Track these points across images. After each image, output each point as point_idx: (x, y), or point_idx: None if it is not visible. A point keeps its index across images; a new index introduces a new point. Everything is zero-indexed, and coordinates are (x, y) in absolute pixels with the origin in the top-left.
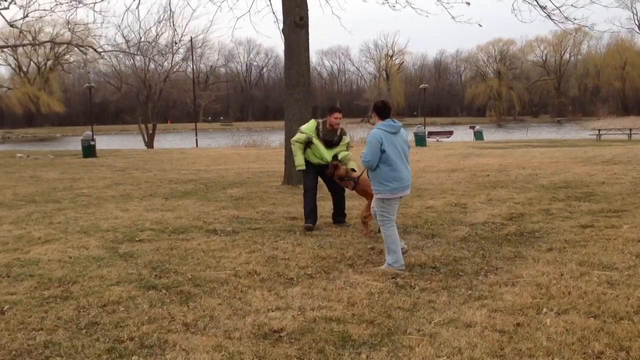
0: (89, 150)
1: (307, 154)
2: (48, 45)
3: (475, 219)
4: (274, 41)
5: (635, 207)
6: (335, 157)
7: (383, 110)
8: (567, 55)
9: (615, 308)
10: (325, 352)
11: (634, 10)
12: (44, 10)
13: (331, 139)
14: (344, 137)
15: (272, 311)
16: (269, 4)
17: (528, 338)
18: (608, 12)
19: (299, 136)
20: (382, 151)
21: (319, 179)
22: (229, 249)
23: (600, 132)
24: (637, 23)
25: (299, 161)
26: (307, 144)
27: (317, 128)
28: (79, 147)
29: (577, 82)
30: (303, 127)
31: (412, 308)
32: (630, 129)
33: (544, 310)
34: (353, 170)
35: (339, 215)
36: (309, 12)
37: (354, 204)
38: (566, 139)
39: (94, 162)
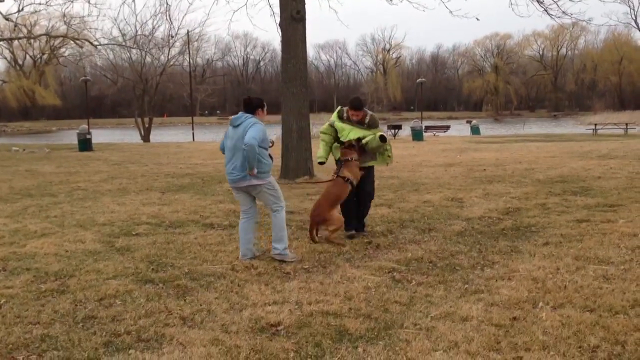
0: (85, 143)
1: (334, 151)
2: (44, 39)
3: (472, 213)
4: (271, 35)
5: (631, 202)
6: (358, 139)
7: (243, 105)
8: (564, 50)
9: (611, 302)
10: (322, 346)
11: (631, 5)
12: (40, 3)
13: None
14: (373, 123)
15: (269, 305)
16: None
17: (524, 332)
18: (605, 7)
19: (323, 126)
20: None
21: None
22: (226, 242)
23: (597, 127)
24: (634, 17)
25: (319, 153)
26: (337, 139)
27: (340, 112)
28: (75, 141)
29: (573, 76)
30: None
31: (409, 302)
32: (627, 124)
33: (540, 304)
34: (381, 138)
35: (357, 222)
36: (306, 5)
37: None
38: (563, 134)
39: (90, 156)
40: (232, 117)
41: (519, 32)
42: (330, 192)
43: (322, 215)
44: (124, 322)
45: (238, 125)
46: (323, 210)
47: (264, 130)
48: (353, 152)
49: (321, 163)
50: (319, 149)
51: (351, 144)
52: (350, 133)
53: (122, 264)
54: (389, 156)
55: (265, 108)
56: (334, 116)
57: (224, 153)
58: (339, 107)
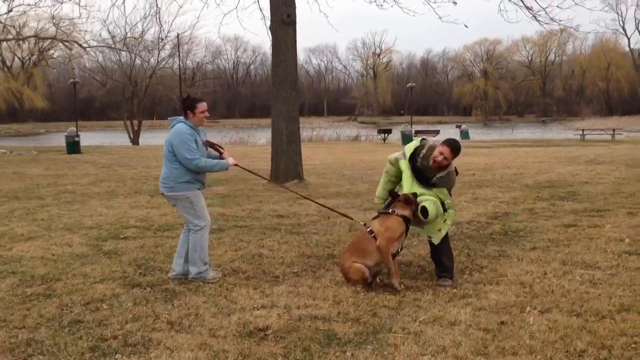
0: (73, 146)
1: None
2: (32, 40)
3: (461, 217)
4: (261, 38)
5: (617, 207)
6: (415, 194)
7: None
8: (552, 56)
9: (598, 307)
10: (311, 351)
11: (619, 12)
12: (29, 5)
13: (428, 175)
14: (450, 171)
15: (258, 309)
16: (256, 0)
17: (512, 336)
18: (593, 14)
19: (388, 158)
20: None
21: None
22: (215, 246)
23: (584, 132)
24: (622, 24)
25: (377, 192)
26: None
27: (416, 150)
28: (63, 143)
29: (562, 82)
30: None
31: (398, 306)
32: (614, 129)
33: (528, 308)
34: (423, 213)
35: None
36: (296, 9)
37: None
38: (551, 139)
39: (78, 159)
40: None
41: (508, 38)
42: (353, 242)
43: (340, 264)
44: (111, 326)
45: (170, 130)
46: (342, 259)
47: (183, 132)
48: (406, 209)
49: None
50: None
51: (409, 199)
52: (408, 186)
53: (110, 267)
54: (445, 221)
55: (197, 110)
56: (408, 149)
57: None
58: (418, 140)
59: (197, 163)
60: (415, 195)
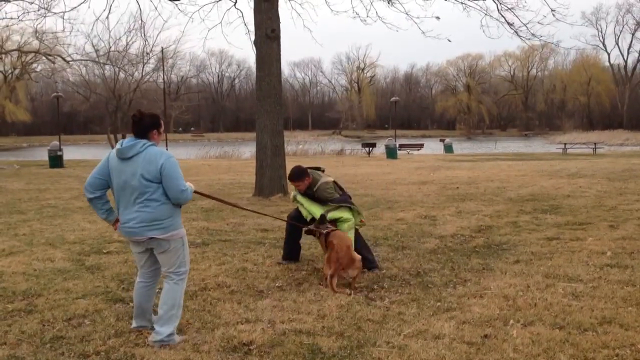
0: (55, 160)
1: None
2: (15, 54)
3: (445, 231)
4: (246, 52)
5: (599, 220)
6: (322, 217)
7: (132, 124)
8: (534, 71)
9: (580, 319)
10: None
11: (599, 28)
12: (11, 18)
13: (310, 192)
14: (319, 186)
15: (242, 324)
16: (241, 15)
17: (495, 349)
18: (573, 29)
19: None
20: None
21: None
22: (199, 260)
23: (566, 146)
24: (602, 40)
25: (303, 213)
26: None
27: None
28: (46, 157)
29: (543, 96)
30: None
31: (382, 320)
32: (595, 143)
33: (511, 321)
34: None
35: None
36: (280, 24)
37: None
38: (533, 153)
39: (61, 173)
40: (122, 144)
41: (491, 53)
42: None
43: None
44: (93, 342)
45: (131, 157)
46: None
47: (171, 156)
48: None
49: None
50: (308, 209)
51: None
52: (313, 209)
53: (92, 282)
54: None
55: (162, 128)
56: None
57: (92, 194)
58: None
59: (189, 195)
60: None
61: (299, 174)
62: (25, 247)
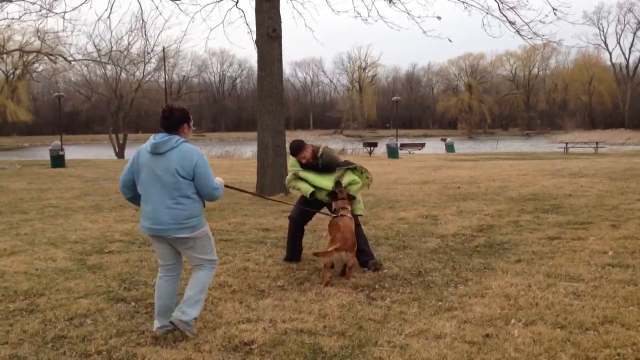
0: (57, 160)
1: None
2: (17, 54)
3: (446, 230)
4: (247, 52)
5: (601, 219)
6: (338, 183)
7: (161, 119)
8: (535, 70)
9: (582, 319)
10: None
11: (601, 27)
12: (13, 19)
13: (313, 166)
14: (323, 151)
15: (243, 323)
16: (243, 15)
17: (496, 349)
18: (575, 28)
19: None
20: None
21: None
22: None
23: (568, 146)
24: (604, 39)
25: (304, 189)
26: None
27: (299, 162)
28: (48, 157)
29: (545, 96)
30: (288, 166)
31: (383, 319)
32: (597, 143)
33: (512, 321)
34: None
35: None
36: (282, 23)
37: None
38: (535, 152)
39: (63, 172)
40: (155, 138)
41: (492, 52)
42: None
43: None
44: (95, 341)
45: (164, 153)
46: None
47: (203, 155)
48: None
49: (312, 195)
50: (300, 189)
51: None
52: (321, 181)
53: (94, 282)
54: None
55: (192, 122)
56: (292, 166)
57: (129, 193)
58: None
59: (221, 192)
60: (337, 182)
61: (299, 145)
62: (27, 247)
